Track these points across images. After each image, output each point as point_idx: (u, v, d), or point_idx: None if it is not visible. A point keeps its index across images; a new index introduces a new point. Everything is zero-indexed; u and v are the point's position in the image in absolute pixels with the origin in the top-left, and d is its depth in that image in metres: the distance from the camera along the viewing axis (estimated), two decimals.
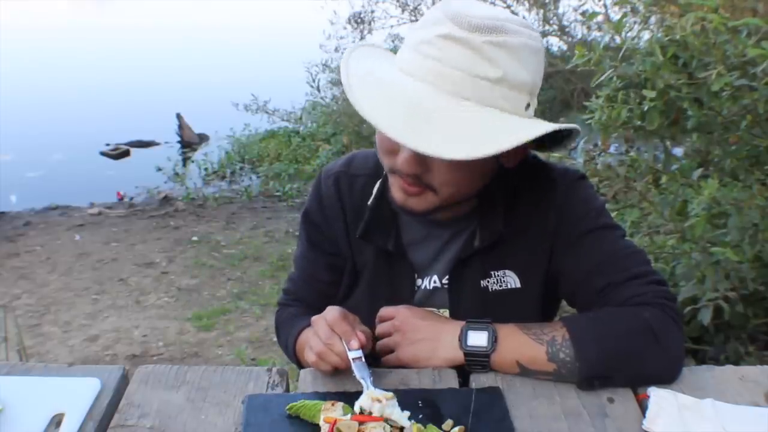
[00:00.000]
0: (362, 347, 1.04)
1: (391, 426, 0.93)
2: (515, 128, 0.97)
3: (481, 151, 0.92)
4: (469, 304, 1.18)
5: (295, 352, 1.23)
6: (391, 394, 0.97)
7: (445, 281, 1.22)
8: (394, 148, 1.04)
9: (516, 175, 1.18)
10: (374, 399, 0.95)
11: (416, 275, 1.23)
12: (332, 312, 1.08)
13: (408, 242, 1.22)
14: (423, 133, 0.92)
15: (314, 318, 1.11)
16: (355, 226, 1.24)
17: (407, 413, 0.95)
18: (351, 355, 1.04)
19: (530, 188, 1.18)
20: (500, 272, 1.19)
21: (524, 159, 1.16)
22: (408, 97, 0.97)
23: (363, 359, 1.04)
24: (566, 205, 1.16)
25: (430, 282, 1.23)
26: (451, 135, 0.94)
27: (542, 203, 1.17)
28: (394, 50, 1.13)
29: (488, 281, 1.19)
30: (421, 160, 1.02)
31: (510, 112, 0.99)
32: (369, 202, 1.22)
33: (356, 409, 0.96)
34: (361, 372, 1.02)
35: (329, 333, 1.05)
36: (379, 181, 1.22)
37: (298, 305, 1.34)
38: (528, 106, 1.03)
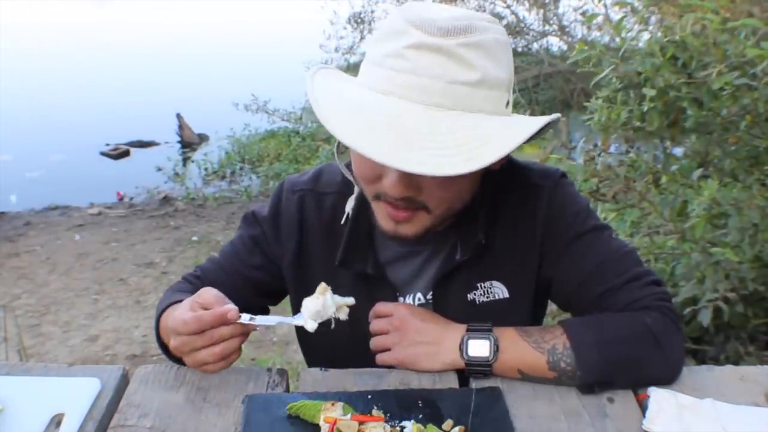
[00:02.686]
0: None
1: (392, 426, 0.93)
2: (505, 131, 0.92)
3: (479, 163, 0.86)
4: (455, 317, 1.13)
5: (158, 323, 1.14)
6: (323, 285, 0.97)
7: (429, 297, 1.18)
8: (377, 174, 0.99)
9: (494, 183, 1.14)
10: (318, 296, 0.96)
11: (397, 294, 1.19)
12: (184, 318, 0.97)
13: (386, 261, 1.18)
14: (413, 152, 0.86)
15: (181, 341, 0.98)
16: (324, 245, 1.19)
17: (351, 300, 0.98)
18: (245, 319, 0.97)
19: (511, 195, 1.15)
20: (487, 283, 1.16)
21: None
22: (388, 117, 0.90)
23: (250, 315, 0.99)
24: (552, 210, 1.13)
25: (414, 299, 1.19)
26: (442, 150, 0.87)
27: (526, 209, 1.14)
28: None
29: (475, 294, 1.16)
30: (411, 182, 0.96)
31: (493, 113, 0.94)
32: (344, 224, 1.16)
33: (306, 313, 0.97)
34: (272, 319, 1.00)
35: (210, 335, 0.96)
36: (351, 199, 1.16)
37: (202, 286, 1.17)
38: (507, 103, 0.99)
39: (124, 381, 1.09)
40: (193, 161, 7.56)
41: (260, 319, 0.98)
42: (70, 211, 6.09)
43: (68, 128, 8.76)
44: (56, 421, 0.97)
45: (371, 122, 0.90)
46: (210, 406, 1.02)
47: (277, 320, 1.01)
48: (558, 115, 1.02)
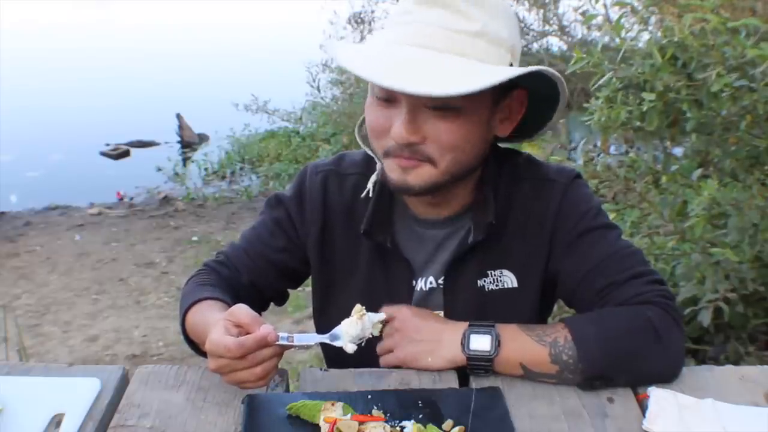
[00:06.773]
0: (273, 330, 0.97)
1: (392, 426, 0.93)
2: (500, 69, 1.00)
3: (473, 85, 0.94)
4: (464, 304, 1.17)
5: (184, 319, 1.15)
6: (359, 307, 0.99)
7: (441, 281, 1.21)
8: (386, 125, 1.05)
9: (510, 171, 1.19)
10: (356, 319, 0.98)
11: (413, 273, 1.21)
12: (226, 344, 0.94)
13: (402, 244, 1.21)
14: (410, 79, 0.94)
15: (222, 363, 0.96)
16: (346, 224, 1.23)
17: (383, 316, 1.02)
18: (283, 339, 0.96)
19: (525, 185, 1.18)
20: (497, 272, 1.18)
21: (518, 134, 1.16)
22: (393, 55, 1.01)
23: (288, 334, 0.97)
24: (565, 205, 1.16)
25: (426, 283, 1.22)
26: (439, 78, 0.95)
27: (540, 202, 1.17)
28: None
29: (485, 281, 1.18)
30: (416, 126, 1.02)
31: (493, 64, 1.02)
32: (366, 200, 1.20)
33: (346, 337, 0.99)
34: (311, 339, 1.00)
35: (252, 358, 0.95)
36: (374, 175, 1.20)
37: (227, 272, 1.26)
38: (511, 65, 1.05)
39: (124, 381, 1.09)
40: (193, 161, 7.54)
41: (298, 339, 0.99)
42: (70, 211, 6.08)
43: (68, 128, 8.73)
44: (56, 421, 0.97)
45: (378, 58, 1.02)
46: (210, 406, 1.02)
47: (315, 340, 1.01)
48: (554, 73, 1.05)
